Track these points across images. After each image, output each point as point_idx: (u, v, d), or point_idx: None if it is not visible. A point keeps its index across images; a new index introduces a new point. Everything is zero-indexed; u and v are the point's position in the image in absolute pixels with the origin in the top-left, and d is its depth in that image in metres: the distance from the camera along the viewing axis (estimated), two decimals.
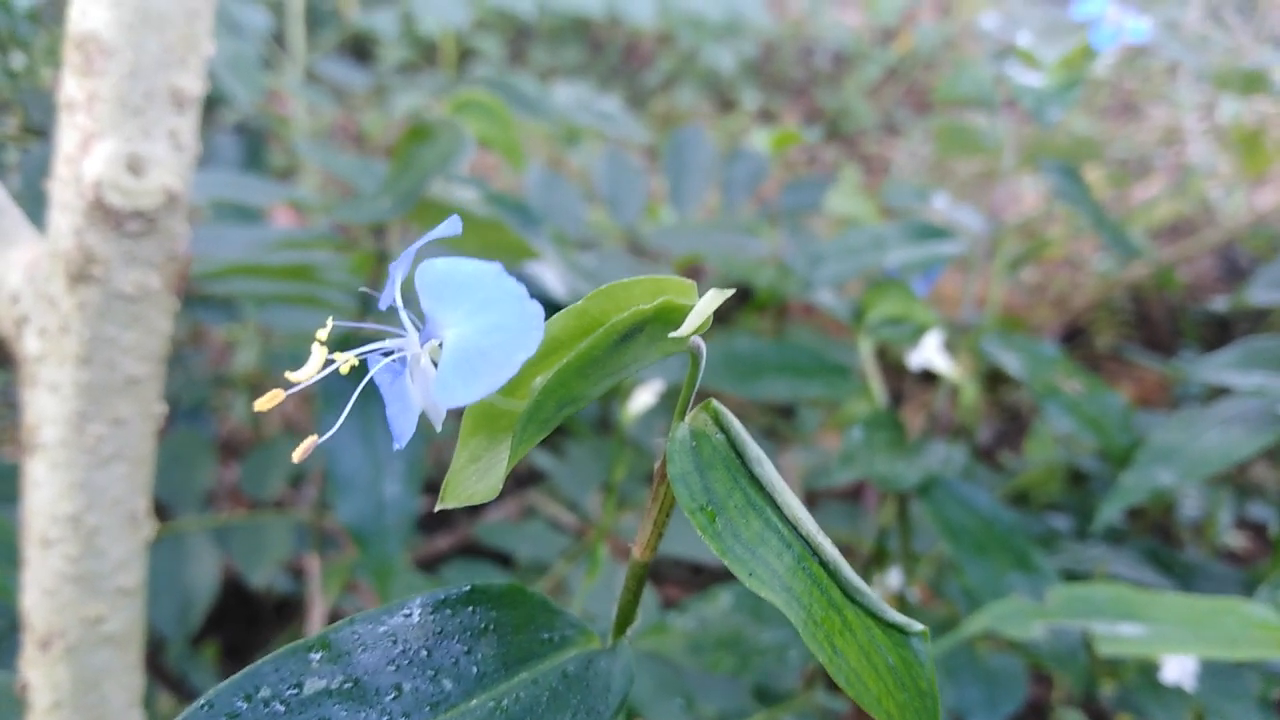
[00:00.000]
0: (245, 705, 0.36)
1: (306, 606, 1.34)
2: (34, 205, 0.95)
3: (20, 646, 0.79)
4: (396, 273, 0.35)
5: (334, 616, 1.48)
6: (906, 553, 1.13)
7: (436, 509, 0.38)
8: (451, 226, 0.35)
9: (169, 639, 1.23)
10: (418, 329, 0.34)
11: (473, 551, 1.63)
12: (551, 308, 1.00)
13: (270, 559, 1.31)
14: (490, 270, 0.32)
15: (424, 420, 0.36)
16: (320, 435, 0.37)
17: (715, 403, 0.40)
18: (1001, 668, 1.08)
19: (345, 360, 0.34)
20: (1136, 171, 2.41)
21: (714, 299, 0.34)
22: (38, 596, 0.77)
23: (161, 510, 1.30)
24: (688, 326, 0.34)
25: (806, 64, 3.15)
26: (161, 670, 1.38)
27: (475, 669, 0.40)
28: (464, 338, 0.31)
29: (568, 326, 0.36)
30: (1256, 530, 1.73)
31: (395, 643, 0.40)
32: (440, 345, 0.32)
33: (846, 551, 1.52)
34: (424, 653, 0.40)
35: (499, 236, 0.92)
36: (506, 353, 0.30)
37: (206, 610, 1.26)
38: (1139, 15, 1.07)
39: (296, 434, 1.64)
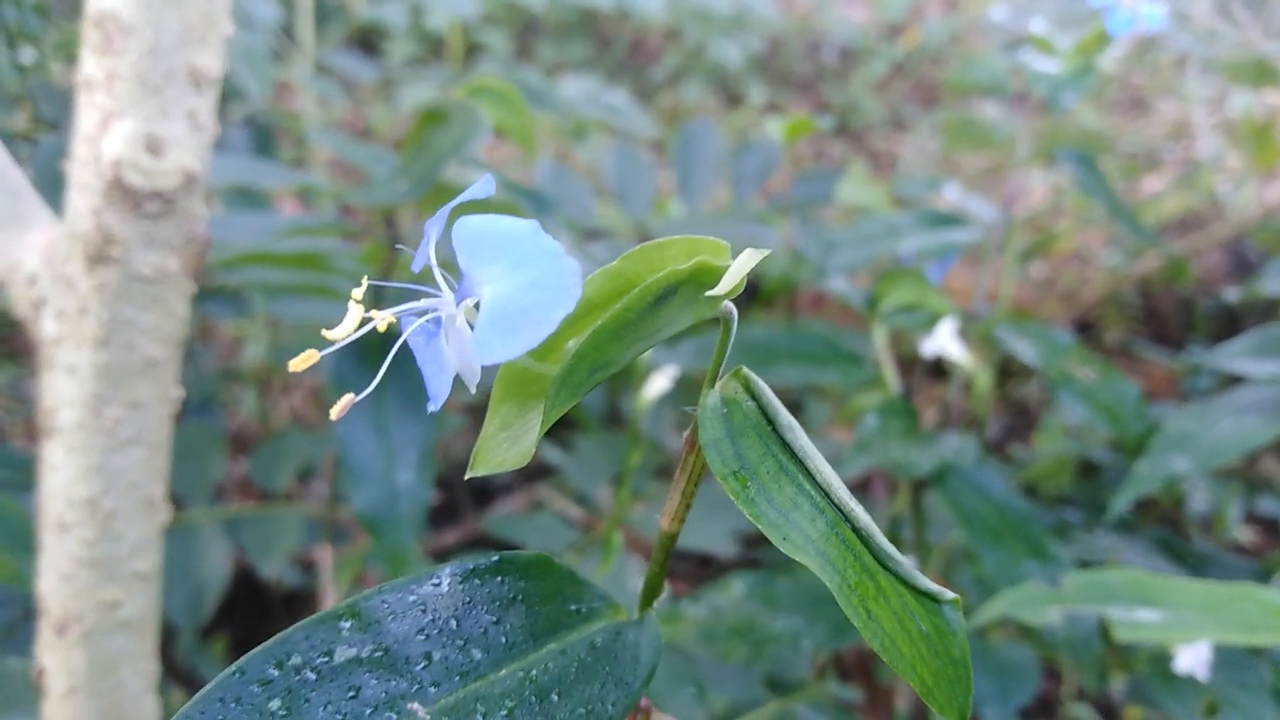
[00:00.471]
0: (277, 672, 0.36)
1: (317, 599, 1.34)
2: (49, 192, 0.95)
3: (36, 632, 0.79)
4: (431, 231, 0.35)
5: None
6: (920, 543, 1.13)
7: (467, 476, 0.38)
8: (485, 187, 0.35)
9: (180, 629, 1.23)
10: (453, 289, 0.34)
11: (481, 545, 1.63)
12: None
13: (281, 550, 1.31)
14: (527, 226, 0.31)
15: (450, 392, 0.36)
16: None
17: (746, 370, 0.40)
18: (1014, 659, 1.08)
19: (383, 318, 0.34)
20: (1145, 165, 2.40)
21: (750, 258, 0.34)
22: (54, 581, 0.76)
23: (172, 502, 1.30)
24: (724, 286, 0.34)
25: (813, 59, 3.15)
26: (171, 663, 1.38)
27: (504, 639, 0.40)
28: (502, 294, 0.31)
29: (602, 288, 0.36)
30: (1266, 525, 1.72)
31: (424, 612, 0.39)
32: (476, 305, 0.32)
33: None
34: (453, 622, 0.40)
35: None
36: (545, 309, 0.30)
37: (218, 600, 1.26)
38: (1154, 1, 1.06)
39: (305, 427, 1.64)
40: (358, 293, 0.34)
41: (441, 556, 1.66)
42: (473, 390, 0.35)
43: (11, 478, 1.06)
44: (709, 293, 0.35)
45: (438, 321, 0.35)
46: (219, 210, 1.37)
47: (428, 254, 0.35)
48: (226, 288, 1.37)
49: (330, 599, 1.30)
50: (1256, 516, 1.70)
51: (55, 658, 0.78)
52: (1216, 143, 2.19)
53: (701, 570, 1.69)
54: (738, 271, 0.34)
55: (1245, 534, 1.69)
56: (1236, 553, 1.64)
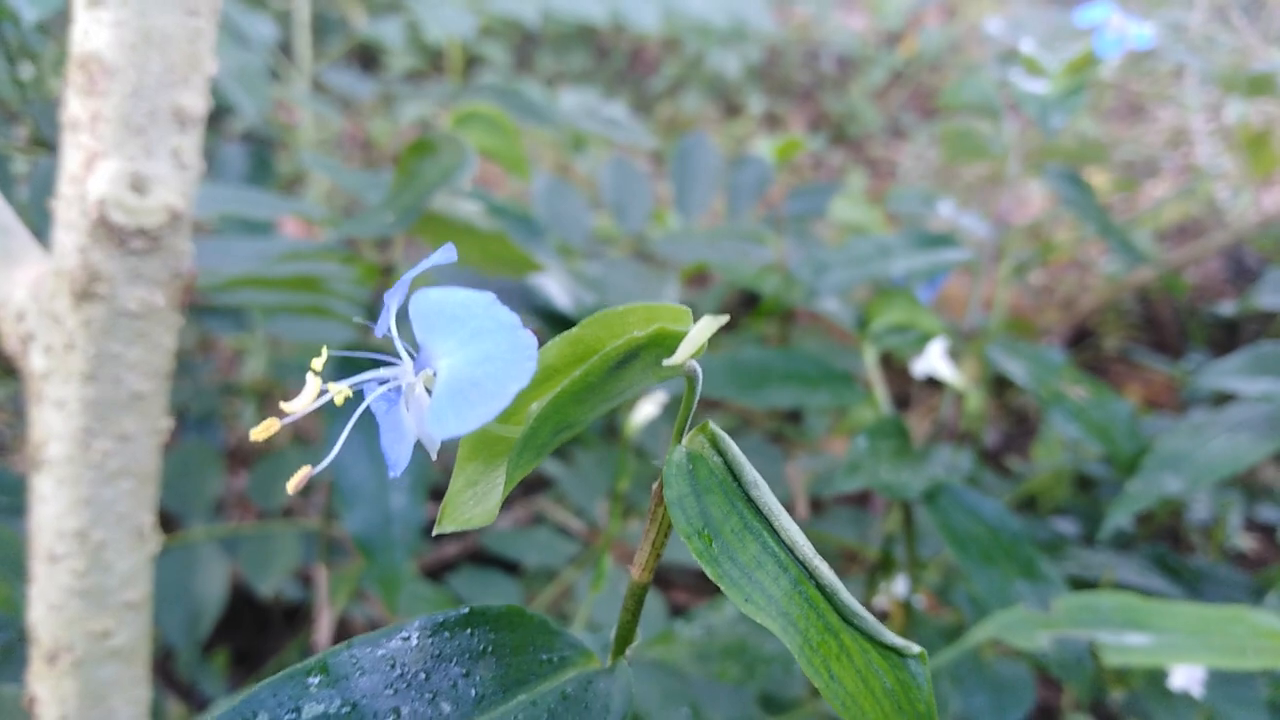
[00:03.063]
0: None
1: (315, 614, 1.34)
2: (41, 220, 0.96)
3: (27, 660, 0.80)
4: (391, 301, 0.35)
5: (342, 624, 1.48)
6: (913, 560, 1.13)
7: (435, 533, 0.38)
8: (446, 254, 0.35)
9: (178, 648, 1.24)
10: (413, 358, 0.34)
11: (480, 558, 1.64)
12: (555, 319, 0.99)
13: (278, 568, 1.32)
14: (483, 300, 0.32)
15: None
16: (319, 460, 0.37)
17: (712, 425, 0.40)
18: (1009, 675, 1.08)
19: (339, 390, 0.34)
20: (1143, 173, 2.40)
21: (707, 327, 0.34)
22: (44, 611, 0.77)
23: (170, 520, 1.31)
24: (680, 355, 0.35)
25: (812, 68, 3.15)
26: (171, 677, 1.39)
27: (474, 691, 0.40)
28: (456, 368, 0.31)
29: (562, 354, 0.36)
30: (1266, 532, 1.72)
31: (394, 666, 0.40)
32: (434, 375, 0.32)
33: (853, 558, 1.52)
34: (422, 675, 0.40)
35: (502, 249, 0.92)
36: (499, 383, 0.30)
37: (215, 620, 1.26)
38: (1142, 22, 1.06)
39: (305, 444, 1.64)
40: (317, 363, 0.35)
41: (440, 570, 1.66)
42: (434, 458, 0.35)
43: (7, 502, 1.06)
44: (666, 361, 0.35)
45: (399, 390, 0.35)
46: (216, 233, 1.37)
47: (388, 323, 0.35)
48: (226, 306, 1.38)
49: (326, 617, 1.31)
50: (1256, 524, 1.69)
51: (46, 686, 0.78)
52: (1214, 150, 2.19)
53: (702, 583, 1.70)
54: (695, 340, 0.34)
55: (1245, 541, 1.69)
56: (1236, 562, 1.64)
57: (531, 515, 1.70)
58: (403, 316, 0.35)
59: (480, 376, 0.31)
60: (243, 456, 1.81)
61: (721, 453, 0.40)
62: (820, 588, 0.38)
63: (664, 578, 1.68)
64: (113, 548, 0.76)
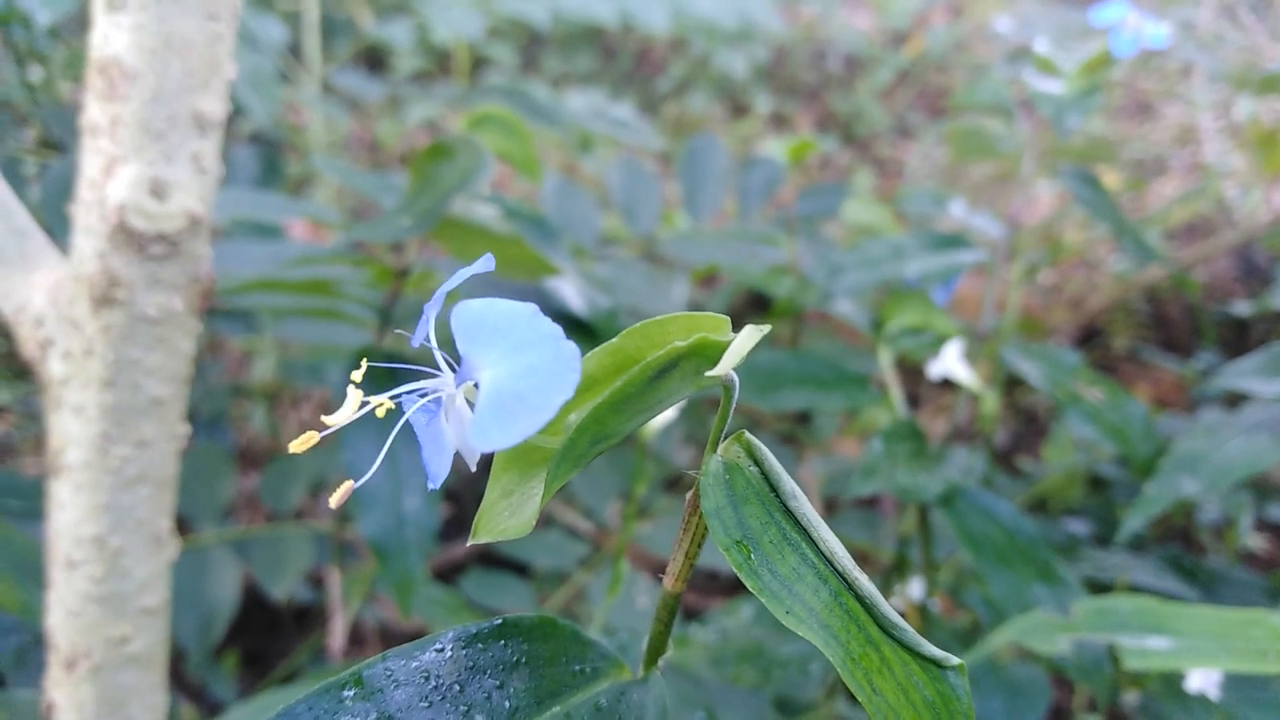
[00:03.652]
0: None
1: (328, 616, 1.34)
2: (57, 225, 0.96)
3: (45, 666, 0.80)
4: (431, 312, 0.35)
5: (354, 626, 1.48)
6: (928, 562, 1.13)
7: (469, 544, 0.38)
8: (485, 264, 0.35)
9: (190, 652, 1.24)
10: (453, 369, 0.34)
11: (490, 560, 1.63)
12: (570, 323, 0.99)
13: (291, 571, 1.32)
14: (525, 311, 0.32)
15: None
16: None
17: (748, 435, 0.40)
18: (1024, 678, 1.07)
19: (380, 402, 0.34)
20: (1153, 172, 2.39)
21: (750, 337, 0.34)
22: (62, 617, 0.77)
23: (182, 523, 1.31)
24: (724, 365, 0.34)
25: (819, 68, 3.15)
26: (182, 679, 1.39)
27: (508, 703, 0.40)
28: (500, 380, 0.31)
29: (603, 364, 0.36)
30: (1277, 532, 1.72)
31: (428, 679, 0.40)
32: (476, 386, 0.32)
33: (865, 560, 1.51)
34: (456, 688, 0.40)
35: (519, 252, 0.92)
36: (544, 395, 0.30)
37: (228, 623, 1.26)
38: (1158, 21, 1.06)
39: (316, 445, 1.64)
40: (357, 375, 0.35)
41: (450, 571, 1.66)
42: (473, 469, 0.35)
43: (23, 507, 1.06)
44: (709, 372, 0.35)
45: (438, 401, 0.35)
46: (228, 237, 1.37)
47: (427, 333, 0.35)
48: (237, 309, 1.38)
49: (340, 620, 1.30)
50: (1267, 524, 1.69)
51: (64, 693, 0.78)
52: (1224, 148, 2.18)
53: (711, 583, 1.69)
54: (738, 350, 0.34)
55: (1256, 541, 1.69)
56: (1248, 562, 1.64)
57: (541, 517, 1.70)
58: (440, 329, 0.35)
59: (524, 389, 0.30)
60: (252, 458, 1.81)
61: (758, 462, 0.39)
62: (860, 599, 0.38)
63: None
64: (131, 554, 0.76)
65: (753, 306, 2.05)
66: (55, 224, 0.97)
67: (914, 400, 1.99)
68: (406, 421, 0.36)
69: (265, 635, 1.57)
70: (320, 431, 0.34)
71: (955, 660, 0.38)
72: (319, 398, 1.87)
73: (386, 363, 0.35)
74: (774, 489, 0.39)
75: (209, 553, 1.29)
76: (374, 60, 2.69)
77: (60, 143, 1.23)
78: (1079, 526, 1.38)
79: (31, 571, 0.93)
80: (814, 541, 0.38)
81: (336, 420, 0.34)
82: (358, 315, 1.11)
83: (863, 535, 1.46)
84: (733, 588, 1.67)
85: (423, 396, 0.35)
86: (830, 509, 1.61)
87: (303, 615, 1.59)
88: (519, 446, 0.39)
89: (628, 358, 0.36)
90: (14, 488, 1.08)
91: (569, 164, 2.44)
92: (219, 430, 1.54)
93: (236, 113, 1.48)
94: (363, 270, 1.03)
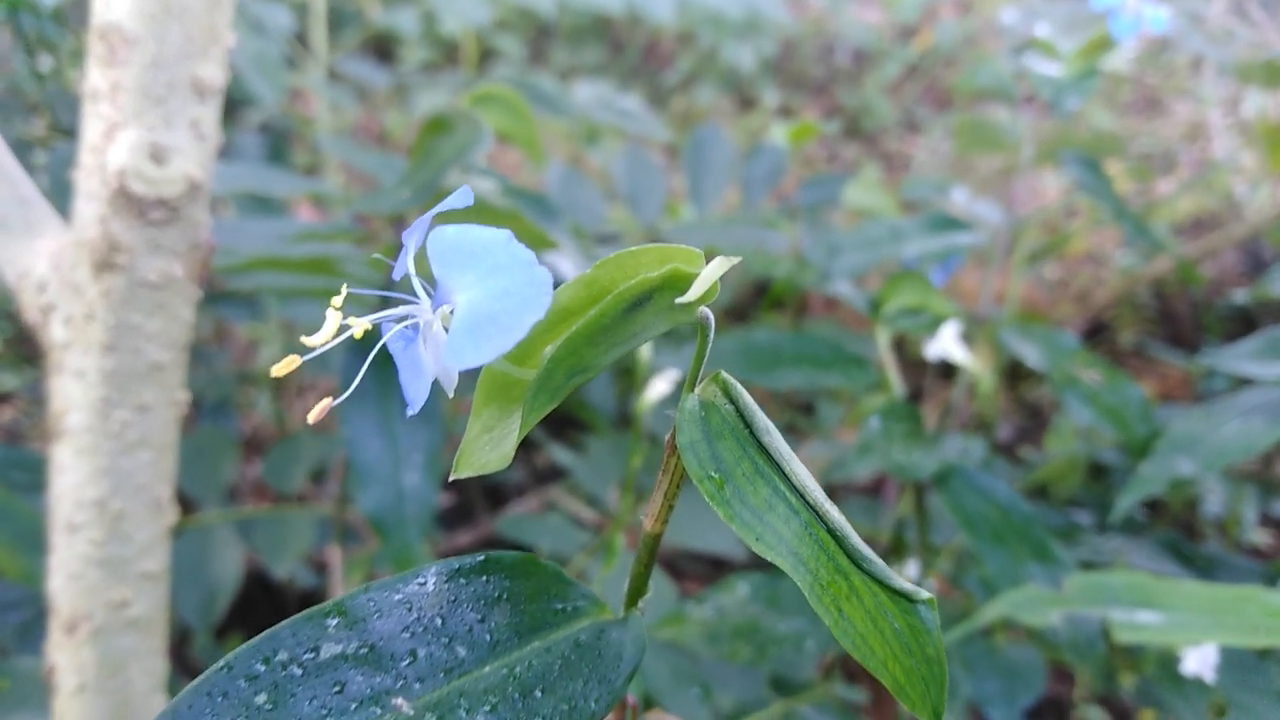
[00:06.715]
0: (264, 668, 0.37)
1: (330, 596, 1.35)
2: (62, 199, 0.97)
3: (46, 632, 0.81)
4: (410, 241, 0.36)
5: None
6: (924, 544, 1.13)
7: (450, 478, 0.39)
8: (463, 197, 0.36)
9: (194, 629, 1.25)
10: (430, 296, 0.35)
11: (494, 546, 1.64)
12: None
13: (293, 551, 1.33)
14: (500, 236, 0.32)
15: (443, 400, 0.37)
16: (337, 400, 0.37)
17: (724, 374, 0.41)
18: (1020, 660, 1.08)
19: (360, 325, 0.35)
20: (1160, 167, 2.39)
21: (720, 265, 0.35)
22: (63, 580, 0.78)
23: (186, 504, 1.32)
24: (694, 293, 0.35)
25: (827, 61, 3.15)
26: (186, 662, 1.40)
27: (489, 637, 0.41)
28: (474, 302, 0.32)
29: (576, 295, 0.37)
30: None
31: (410, 610, 0.40)
32: (451, 311, 0.32)
33: (866, 544, 1.52)
34: (438, 620, 0.40)
35: (516, 227, 0.92)
36: (516, 316, 0.31)
37: (230, 601, 1.27)
38: (1158, 4, 1.06)
39: (320, 430, 1.66)
40: (336, 300, 0.35)
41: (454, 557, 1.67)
42: (450, 394, 0.35)
43: (27, 479, 1.08)
44: (679, 299, 0.35)
45: (416, 328, 0.36)
46: (233, 215, 1.38)
47: (407, 263, 0.36)
48: (240, 292, 1.39)
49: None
50: (1272, 519, 1.69)
51: (65, 656, 0.79)
52: (1232, 143, 2.18)
53: (714, 572, 1.70)
54: (708, 278, 0.35)
55: (1260, 536, 1.68)
56: (1251, 555, 1.64)
57: (544, 504, 1.71)
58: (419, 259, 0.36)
59: (498, 310, 0.31)
60: (258, 445, 1.83)
61: (733, 400, 0.40)
62: (830, 530, 0.38)
63: (675, 567, 1.69)
64: (131, 518, 0.77)
65: (758, 297, 2.06)
66: (61, 203, 0.99)
67: (917, 394, 2.00)
68: (395, 406, 0.37)
69: (269, 618, 1.57)
70: (301, 355, 0.35)
71: (926, 594, 0.39)
72: (324, 386, 1.89)
73: (368, 289, 0.36)
74: (748, 425, 0.40)
75: (212, 532, 1.30)
76: (382, 52, 2.71)
77: (70, 130, 1.25)
78: (1080, 516, 1.38)
79: (35, 540, 0.94)
80: (786, 475, 0.39)
81: (315, 341, 0.35)
82: (359, 295, 1.12)
83: (865, 522, 1.46)
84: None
85: (400, 321, 0.35)
86: (831, 496, 1.62)
87: (306, 600, 1.61)
88: (498, 381, 0.39)
89: (602, 289, 0.36)
90: (18, 461, 1.09)
91: (575, 156, 2.45)
92: (224, 416, 1.55)
93: (244, 102, 1.50)
94: (365, 249, 1.04)
